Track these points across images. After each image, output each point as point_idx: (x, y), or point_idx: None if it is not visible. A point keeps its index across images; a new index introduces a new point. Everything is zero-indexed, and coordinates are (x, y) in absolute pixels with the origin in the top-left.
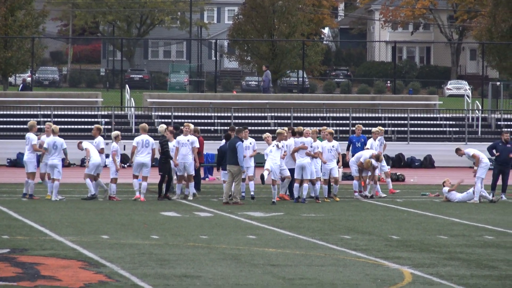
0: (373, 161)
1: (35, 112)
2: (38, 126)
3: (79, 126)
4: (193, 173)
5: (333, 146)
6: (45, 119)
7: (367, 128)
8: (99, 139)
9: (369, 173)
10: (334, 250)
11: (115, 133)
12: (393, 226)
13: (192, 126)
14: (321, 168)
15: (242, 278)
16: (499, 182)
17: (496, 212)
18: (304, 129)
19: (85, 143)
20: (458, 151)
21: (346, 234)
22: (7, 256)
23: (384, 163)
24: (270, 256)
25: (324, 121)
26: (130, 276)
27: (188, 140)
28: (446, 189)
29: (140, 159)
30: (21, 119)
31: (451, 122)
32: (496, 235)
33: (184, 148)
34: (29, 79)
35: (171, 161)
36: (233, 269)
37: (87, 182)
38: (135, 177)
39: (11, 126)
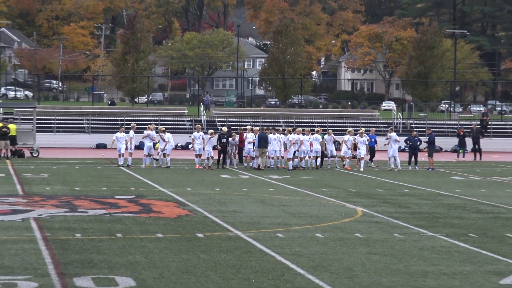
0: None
1: (149, 118)
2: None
3: (174, 127)
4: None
5: (363, 140)
6: (155, 123)
7: (338, 129)
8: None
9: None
10: (318, 197)
11: (210, 131)
12: (351, 184)
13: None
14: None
15: (266, 213)
16: (412, 159)
17: (411, 176)
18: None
19: (167, 134)
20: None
21: (325, 188)
22: (133, 199)
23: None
24: (282, 200)
25: (313, 125)
26: (203, 211)
27: (234, 140)
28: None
29: (197, 146)
30: (143, 123)
31: (385, 125)
32: (410, 189)
33: (232, 145)
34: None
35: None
36: (261, 208)
37: (168, 158)
38: (196, 156)
39: (139, 126)
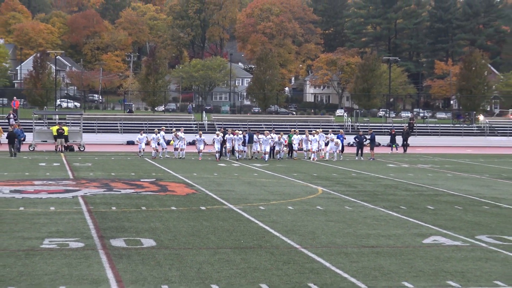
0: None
1: (165, 122)
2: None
3: (186, 128)
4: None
5: (319, 137)
6: (172, 127)
7: (305, 129)
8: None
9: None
10: (290, 180)
11: (218, 132)
12: (314, 170)
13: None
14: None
15: (251, 191)
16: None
17: (357, 164)
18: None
19: (180, 133)
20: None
21: (294, 173)
22: (154, 182)
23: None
24: (263, 182)
25: (284, 128)
26: (205, 190)
27: (231, 136)
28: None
29: (198, 145)
30: (160, 126)
31: (339, 126)
32: (357, 174)
33: (230, 140)
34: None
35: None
36: (247, 188)
37: (183, 152)
38: (198, 152)
39: (163, 127)
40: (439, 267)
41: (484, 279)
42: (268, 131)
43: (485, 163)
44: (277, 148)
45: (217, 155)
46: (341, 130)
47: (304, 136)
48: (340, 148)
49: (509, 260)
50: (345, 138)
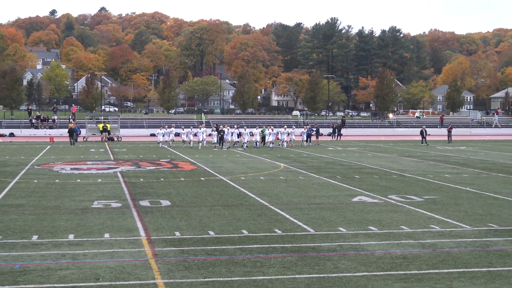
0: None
1: (176, 121)
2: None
3: (189, 124)
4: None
5: (290, 130)
6: (183, 125)
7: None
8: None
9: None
10: (261, 159)
11: (219, 127)
12: (278, 153)
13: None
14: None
15: (235, 167)
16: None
17: (308, 149)
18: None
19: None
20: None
21: (265, 154)
22: (169, 161)
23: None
24: (243, 161)
25: (258, 124)
26: (204, 167)
27: (228, 131)
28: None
29: (199, 136)
30: (171, 123)
31: (294, 123)
32: (307, 155)
33: (229, 134)
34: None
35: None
36: (233, 165)
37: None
38: (199, 141)
39: (174, 125)
40: (363, 217)
41: (394, 225)
42: (246, 126)
43: (394, 146)
44: (271, 138)
45: (214, 144)
46: (308, 125)
47: (282, 129)
48: (305, 138)
49: (411, 212)
50: (313, 130)
